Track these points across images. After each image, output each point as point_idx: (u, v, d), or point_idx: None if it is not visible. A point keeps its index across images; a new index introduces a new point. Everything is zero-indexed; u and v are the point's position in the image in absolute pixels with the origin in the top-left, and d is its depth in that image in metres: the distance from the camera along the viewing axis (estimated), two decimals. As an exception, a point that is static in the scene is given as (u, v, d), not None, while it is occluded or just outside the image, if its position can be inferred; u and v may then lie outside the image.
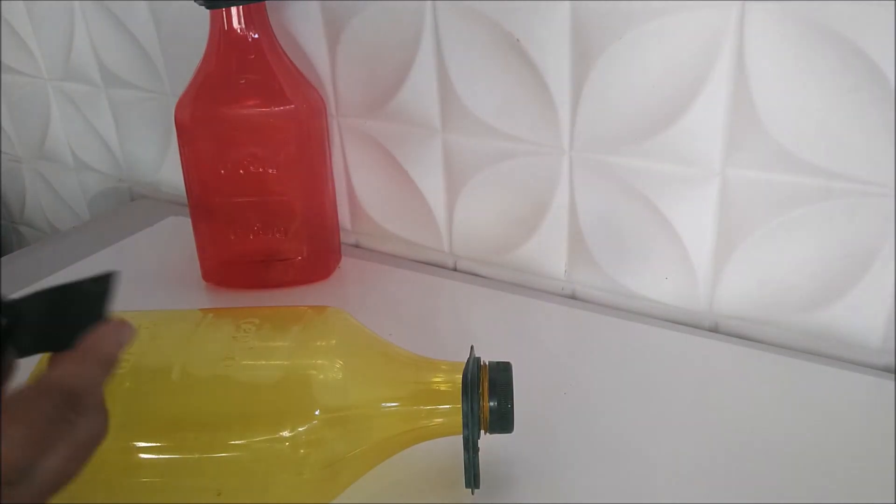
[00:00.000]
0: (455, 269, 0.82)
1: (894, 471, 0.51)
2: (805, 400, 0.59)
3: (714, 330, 0.69)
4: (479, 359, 0.49)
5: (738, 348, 0.66)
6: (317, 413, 0.46)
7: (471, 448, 0.46)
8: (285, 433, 0.45)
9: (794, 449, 0.54)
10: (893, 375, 0.61)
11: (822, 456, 0.53)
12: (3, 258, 0.90)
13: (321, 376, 0.47)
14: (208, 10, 0.68)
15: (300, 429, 0.45)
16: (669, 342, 0.67)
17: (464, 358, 0.49)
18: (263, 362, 0.50)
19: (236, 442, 0.46)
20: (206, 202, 0.74)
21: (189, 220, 0.77)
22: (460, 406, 0.47)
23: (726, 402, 0.59)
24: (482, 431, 0.48)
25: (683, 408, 0.59)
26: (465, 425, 0.46)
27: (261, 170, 0.72)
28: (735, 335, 0.68)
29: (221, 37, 0.69)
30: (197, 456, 0.46)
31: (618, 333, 0.69)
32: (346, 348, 0.50)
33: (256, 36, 0.69)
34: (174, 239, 0.88)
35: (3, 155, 1.17)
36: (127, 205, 1.05)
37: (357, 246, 0.87)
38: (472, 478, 0.47)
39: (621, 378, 0.62)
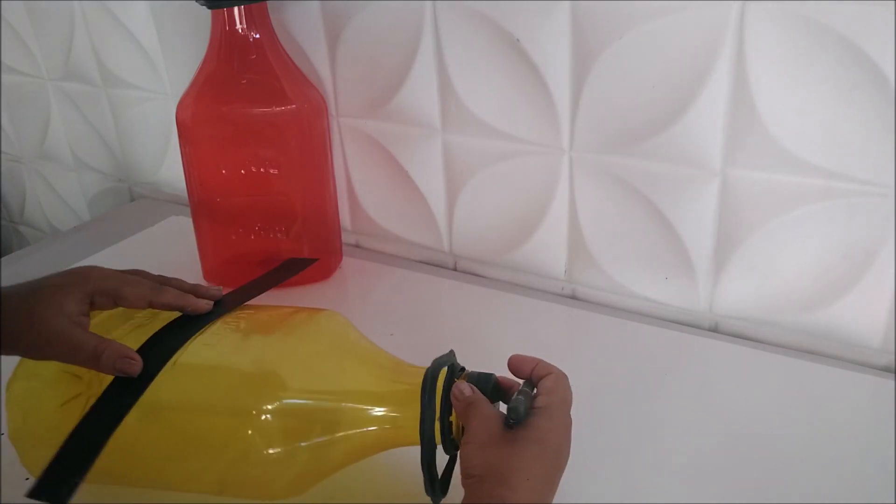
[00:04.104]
0: (455, 269, 0.82)
1: (894, 471, 0.51)
2: (805, 400, 0.59)
3: (714, 330, 0.69)
4: (454, 366, 0.48)
5: (738, 348, 0.66)
6: (283, 402, 0.46)
7: (426, 452, 0.45)
8: (253, 414, 0.45)
9: (794, 449, 0.54)
10: (893, 375, 0.61)
11: (823, 456, 0.53)
12: (3, 258, 0.90)
13: (290, 367, 0.48)
14: (209, 11, 0.68)
15: (264, 415, 0.45)
16: (669, 342, 0.67)
17: (465, 360, 0.49)
18: (239, 351, 0.50)
19: (207, 422, 0.47)
20: (208, 202, 0.74)
21: (190, 219, 0.78)
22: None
23: (726, 402, 0.59)
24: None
25: (683, 408, 0.59)
26: (422, 434, 0.45)
27: (262, 170, 0.72)
28: (735, 335, 0.68)
29: (223, 37, 0.69)
30: (178, 433, 0.47)
31: (618, 333, 0.69)
32: (323, 345, 0.50)
33: (258, 36, 0.69)
34: (175, 239, 0.88)
35: (3, 155, 1.17)
36: (127, 205, 1.05)
37: (357, 246, 0.87)
38: (429, 483, 0.46)
39: (621, 378, 0.62)
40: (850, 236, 0.60)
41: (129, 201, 1.06)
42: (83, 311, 0.47)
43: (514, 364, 0.47)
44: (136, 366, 0.46)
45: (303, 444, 0.46)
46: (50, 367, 0.49)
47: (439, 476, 0.46)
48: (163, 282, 0.52)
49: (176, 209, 0.96)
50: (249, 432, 0.45)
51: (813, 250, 0.62)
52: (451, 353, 0.49)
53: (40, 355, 0.47)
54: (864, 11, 0.52)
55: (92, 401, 0.47)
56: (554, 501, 0.42)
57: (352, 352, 0.51)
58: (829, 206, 0.59)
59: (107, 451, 0.44)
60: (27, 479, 0.54)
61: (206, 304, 0.52)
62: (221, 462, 0.47)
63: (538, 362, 0.46)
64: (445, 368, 0.47)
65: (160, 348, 0.49)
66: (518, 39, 0.66)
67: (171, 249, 0.85)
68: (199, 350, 0.49)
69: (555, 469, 0.42)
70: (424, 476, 0.46)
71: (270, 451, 0.46)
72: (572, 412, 0.44)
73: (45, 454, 0.45)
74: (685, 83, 0.60)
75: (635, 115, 0.64)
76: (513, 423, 0.42)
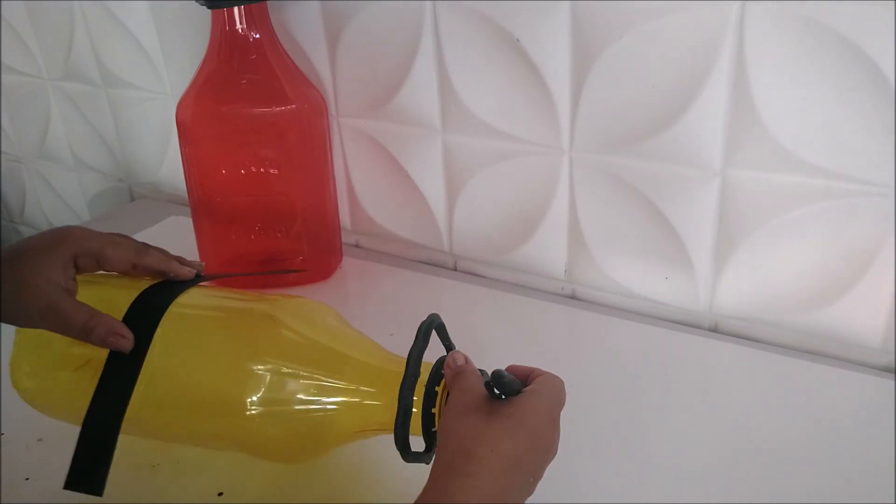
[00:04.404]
0: (455, 269, 0.82)
1: (894, 471, 0.51)
2: (805, 400, 0.59)
3: (714, 330, 0.69)
4: (451, 348, 0.48)
5: (738, 348, 0.66)
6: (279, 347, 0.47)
7: (405, 390, 0.45)
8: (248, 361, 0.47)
9: (794, 449, 0.54)
10: (893, 375, 0.61)
11: (823, 456, 0.53)
12: (3, 258, 0.90)
13: (284, 314, 0.49)
14: (209, 11, 0.68)
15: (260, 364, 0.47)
16: (669, 342, 0.67)
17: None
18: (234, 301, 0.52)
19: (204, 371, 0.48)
20: (207, 202, 0.74)
21: (190, 219, 0.78)
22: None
23: (726, 402, 0.59)
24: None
25: (683, 408, 0.59)
26: (407, 369, 0.45)
27: (262, 170, 0.72)
28: (735, 335, 0.68)
29: (223, 37, 0.69)
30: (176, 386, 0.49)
31: (618, 333, 0.69)
32: (311, 317, 0.51)
33: (258, 36, 0.69)
34: (175, 239, 0.87)
35: (3, 155, 1.17)
36: (127, 205, 1.05)
37: (357, 246, 0.87)
38: (401, 439, 0.45)
39: (621, 378, 0.62)
40: (850, 236, 0.60)
41: (129, 201, 1.06)
42: (70, 275, 0.47)
43: (511, 371, 0.46)
44: (128, 343, 0.46)
45: (297, 396, 0.47)
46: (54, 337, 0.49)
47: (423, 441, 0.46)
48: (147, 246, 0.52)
49: (176, 209, 0.96)
50: (245, 384, 0.46)
51: (813, 250, 0.62)
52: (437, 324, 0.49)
53: (34, 326, 0.47)
54: (864, 11, 0.52)
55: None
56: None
57: (341, 330, 0.51)
58: (829, 206, 0.59)
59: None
60: (27, 479, 0.54)
61: (188, 271, 0.52)
62: (220, 412, 0.48)
63: (535, 369, 0.45)
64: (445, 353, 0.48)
65: (147, 313, 0.49)
66: (518, 39, 0.66)
67: (171, 249, 0.84)
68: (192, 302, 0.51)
69: (530, 452, 0.40)
70: (398, 415, 0.44)
71: (264, 399, 0.46)
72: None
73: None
74: (685, 83, 0.60)
75: (635, 115, 0.64)
76: (494, 388, 0.41)
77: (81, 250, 0.48)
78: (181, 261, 0.53)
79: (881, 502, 0.49)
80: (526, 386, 0.44)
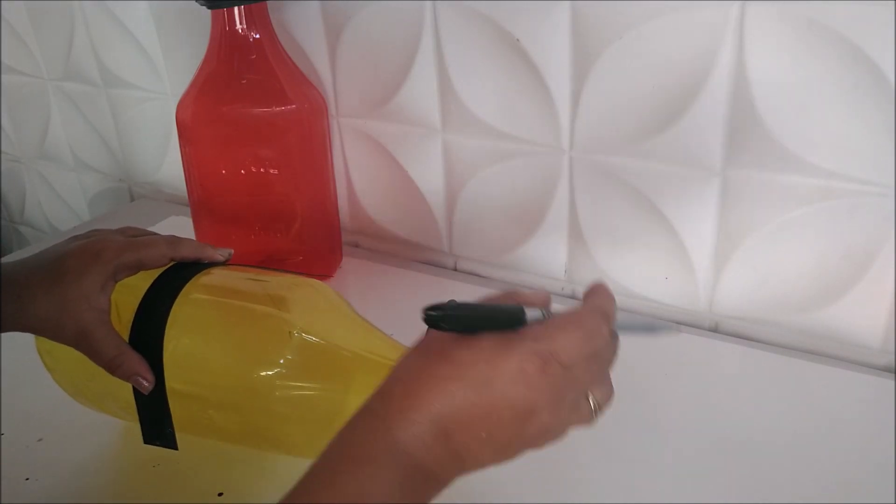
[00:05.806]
0: (455, 269, 0.82)
1: (894, 471, 0.51)
2: (805, 400, 0.59)
3: (714, 330, 0.69)
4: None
5: (738, 348, 0.66)
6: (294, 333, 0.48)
7: None
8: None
9: (794, 449, 0.54)
10: (893, 375, 0.61)
11: (823, 456, 0.53)
12: (3, 258, 0.90)
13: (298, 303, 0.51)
14: (209, 11, 0.68)
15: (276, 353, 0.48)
16: (669, 342, 0.67)
17: None
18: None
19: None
20: (207, 202, 0.74)
21: (190, 219, 0.78)
22: None
23: (726, 402, 0.59)
24: None
25: (683, 408, 0.59)
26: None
27: (262, 170, 0.72)
28: (735, 335, 0.68)
29: (223, 37, 0.69)
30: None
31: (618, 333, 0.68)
32: (324, 294, 0.54)
33: (258, 36, 0.69)
34: (174, 239, 0.88)
35: (3, 155, 1.17)
36: (127, 205, 1.05)
37: (357, 246, 0.87)
38: None
39: (621, 378, 0.62)
40: (850, 236, 0.60)
41: (129, 201, 1.06)
42: (108, 293, 0.48)
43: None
44: (148, 386, 0.47)
45: (315, 383, 0.48)
46: None
47: None
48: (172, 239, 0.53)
49: (176, 209, 0.96)
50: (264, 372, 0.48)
51: (813, 250, 0.62)
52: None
53: (68, 345, 0.48)
54: (864, 11, 0.52)
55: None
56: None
57: (351, 314, 0.53)
58: (829, 206, 0.59)
59: None
60: (27, 479, 0.54)
61: (221, 255, 0.54)
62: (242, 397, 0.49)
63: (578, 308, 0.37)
64: None
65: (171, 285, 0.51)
66: (518, 39, 0.66)
67: (171, 249, 0.85)
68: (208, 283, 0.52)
69: (472, 407, 0.34)
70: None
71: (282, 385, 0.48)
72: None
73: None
74: (685, 83, 0.60)
75: (635, 115, 0.64)
76: (426, 311, 0.36)
77: (120, 265, 0.48)
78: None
79: (881, 502, 0.49)
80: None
